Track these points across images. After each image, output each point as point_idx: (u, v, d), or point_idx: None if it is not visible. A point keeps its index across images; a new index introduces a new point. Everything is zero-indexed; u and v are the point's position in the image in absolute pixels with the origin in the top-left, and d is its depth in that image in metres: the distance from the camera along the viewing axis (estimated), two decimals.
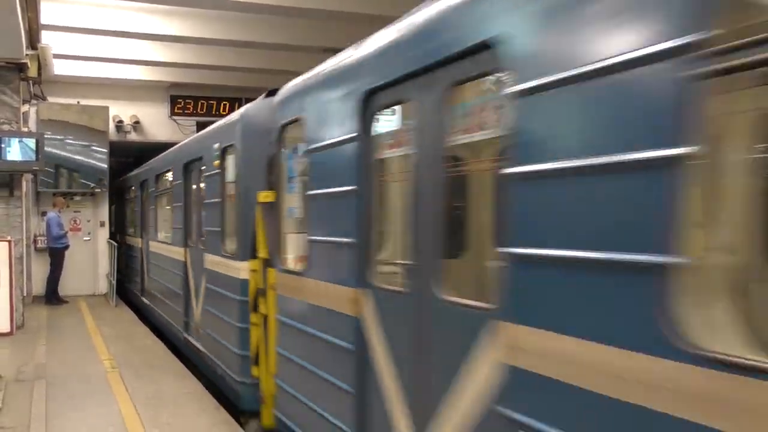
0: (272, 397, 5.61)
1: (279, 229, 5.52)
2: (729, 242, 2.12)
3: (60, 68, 13.52)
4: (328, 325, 4.36)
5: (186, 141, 10.38)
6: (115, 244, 15.29)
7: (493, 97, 2.81)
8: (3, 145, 10.87)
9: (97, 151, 15.94)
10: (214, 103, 16.87)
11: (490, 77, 2.86)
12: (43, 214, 15.13)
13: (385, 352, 3.72)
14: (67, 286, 15.06)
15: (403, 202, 3.73)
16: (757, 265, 2.34)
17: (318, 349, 4.52)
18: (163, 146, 13.30)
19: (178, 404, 6.89)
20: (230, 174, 7.20)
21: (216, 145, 7.58)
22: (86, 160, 15.86)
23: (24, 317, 11.62)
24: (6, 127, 11.23)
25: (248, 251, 6.31)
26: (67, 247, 14.62)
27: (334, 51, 4.75)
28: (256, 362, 6.11)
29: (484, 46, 2.74)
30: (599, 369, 2.15)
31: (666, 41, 1.91)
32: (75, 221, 16.31)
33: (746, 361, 1.71)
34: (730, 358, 1.75)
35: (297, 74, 5.36)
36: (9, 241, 10.42)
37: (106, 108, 16.01)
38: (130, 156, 19.86)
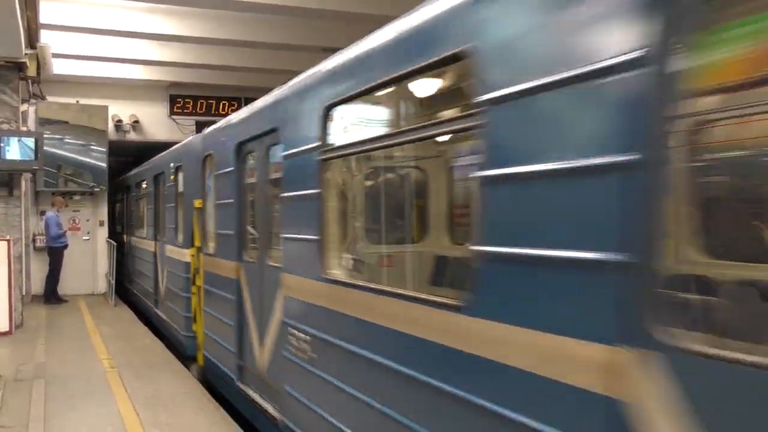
0: (202, 343, 8.26)
1: (205, 226, 8.15)
2: (337, 229, 4.60)
3: (59, 67, 13.50)
4: (224, 286, 7.04)
5: (154, 158, 12.79)
6: (115, 243, 15.29)
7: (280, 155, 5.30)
8: (2, 145, 10.87)
9: (96, 151, 15.93)
10: (214, 102, 16.87)
11: (279, 145, 5.34)
12: (42, 213, 15.12)
13: (248, 298, 6.35)
14: (66, 285, 15.06)
15: (254, 210, 6.46)
16: (350, 239, 5.09)
17: (220, 303, 7.23)
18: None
19: (176, 404, 6.89)
20: (180, 186, 9.83)
21: (172, 164, 10.38)
22: (85, 159, 15.85)
23: (23, 316, 11.62)
24: (5, 127, 11.23)
25: (189, 242, 8.86)
26: (65, 246, 14.61)
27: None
28: (195, 320, 8.72)
29: (273, 130, 5.51)
30: (307, 290, 4.71)
31: (312, 144, 4.52)
32: (74, 221, 16.30)
33: (343, 280, 4.26)
34: (339, 279, 4.29)
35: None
36: (8, 241, 10.42)
37: (106, 107, 15.99)
38: (130, 155, 19.85)
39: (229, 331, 6.77)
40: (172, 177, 10.26)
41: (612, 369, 2.14)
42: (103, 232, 16.65)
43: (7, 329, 10.25)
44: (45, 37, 11.58)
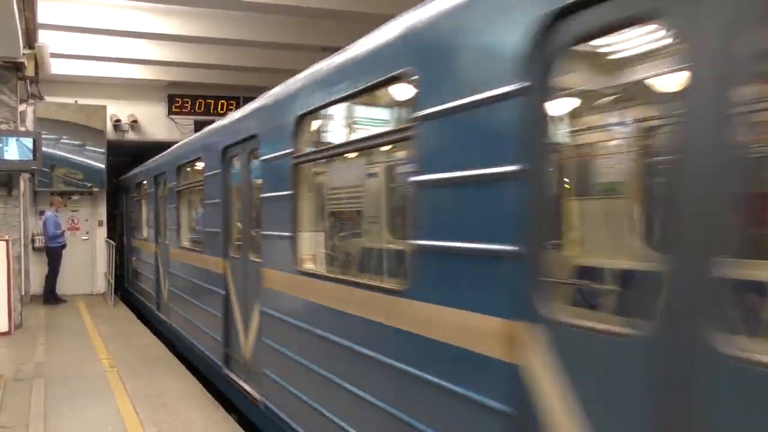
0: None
1: (132, 224, 15.42)
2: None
3: (57, 67, 13.48)
4: (141, 253, 13.79)
5: (122, 177, 18.06)
6: (114, 243, 15.30)
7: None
8: (1, 145, 10.86)
9: (94, 151, 15.93)
10: (212, 102, 16.84)
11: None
12: (41, 213, 15.12)
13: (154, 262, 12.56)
14: (65, 285, 15.06)
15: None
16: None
17: (140, 262, 13.90)
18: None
19: (176, 402, 6.90)
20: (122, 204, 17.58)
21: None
22: (84, 159, 15.85)
23: (22, 317, 11.63)
24: (4, 127, 11.22)
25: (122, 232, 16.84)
26: (64, 246, 14.60)
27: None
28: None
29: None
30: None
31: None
32: (73, 220, 16.30)
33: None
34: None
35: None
36: (7, 241, 10.40)
37: (104, 107, 15.98)
38: (128, 155, 19.83)
39: (144, 276, 13.26)
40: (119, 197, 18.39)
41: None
42: (102, 232, 16.65)
43: (7, 329, 10.20)
44: (43, 36, 11.57)
